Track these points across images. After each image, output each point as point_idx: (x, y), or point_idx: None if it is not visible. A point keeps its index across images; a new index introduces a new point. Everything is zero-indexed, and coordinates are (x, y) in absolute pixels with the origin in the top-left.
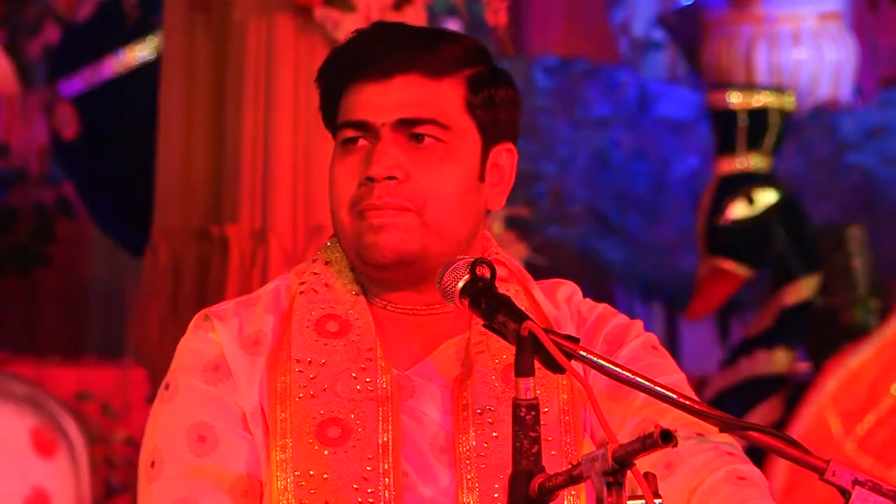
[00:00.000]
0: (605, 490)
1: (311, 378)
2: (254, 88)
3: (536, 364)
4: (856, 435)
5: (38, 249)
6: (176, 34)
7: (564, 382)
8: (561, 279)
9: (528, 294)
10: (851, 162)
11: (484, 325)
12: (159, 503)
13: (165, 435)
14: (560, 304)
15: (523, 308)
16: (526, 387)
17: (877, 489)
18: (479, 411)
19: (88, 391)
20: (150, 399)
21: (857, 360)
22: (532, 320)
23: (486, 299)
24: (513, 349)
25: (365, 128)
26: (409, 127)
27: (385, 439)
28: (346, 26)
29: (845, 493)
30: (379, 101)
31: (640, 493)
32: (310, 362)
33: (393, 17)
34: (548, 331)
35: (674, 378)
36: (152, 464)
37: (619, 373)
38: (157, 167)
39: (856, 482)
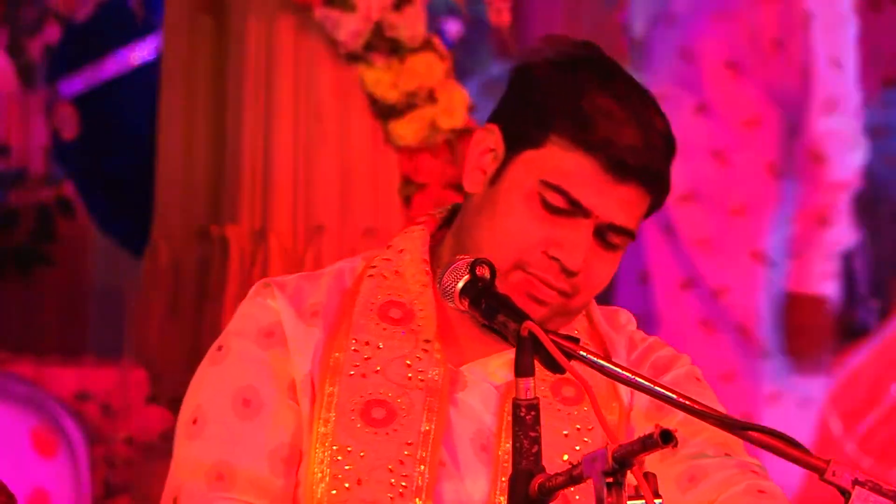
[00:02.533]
0: (605, 490)
1: (366, 359)
2: (254, 88)
3: (605, 396)
4: (856, 435)
5: (39, 249)
6: (176, 34)
7: (614, 405)
8: (619, 307)
9: (589, 312)
10: None
11: (483, 325)
12: (197, 461)
13: (211, 394)
14: (618, 328)
15: (581, 327)
16: (526, 387)
17: (877, 489)
18: None
19: (88, 391)
20: (151, 399)
21: (857, 360)
22: (532, 320)
23: (486, 299)
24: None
25: (578, 209)
26: (611, 232)
27: (427, 428)
28: (346, 26)
29: (845, 493)
30: (605, 195)
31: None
32: (366, 343)
33: (393, 17)
34: (548, 331)
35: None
36: (194, 421)
37: (618, 373)
38: (157, 167)
39: (856, 482)
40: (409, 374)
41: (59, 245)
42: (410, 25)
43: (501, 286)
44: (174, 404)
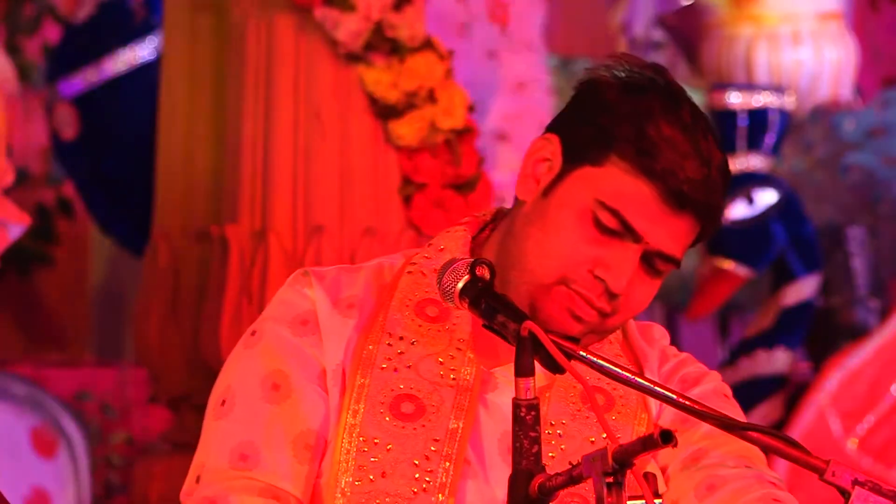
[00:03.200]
0: (605, 490)
1: (399, 353)
2: (254, 88)
3: (634, 407)
4: (856, 435)
5: (38, 249)
6: (177, 34)
7: (643, 416)
8: (654, 323)
9: (624, 326)
10: (851, 162)
11: (483, 326)
12: (222, 441)
13: (241, 377)
14: (652, 342)
15: (616, 340)
16: (526, 387)
17: (877, 489)
18: (552, 422)
19: (88, 391)
20: (151, 399)
21: (857, 360)
22: (531, 319)
23: (485, 300)
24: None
25: (630, 233)
26: (657, 259)
27: (455, 426)
28: (346, 26)
29: (845, 494)
30: (659, 223)
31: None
32: (401, 338)
33: (393, 17)
34: (547, 331)
35: None
36: (223, 402)
37: (618, 373)
38: (157, 167)
39: (856, 482)
40: (441, 372)
41: (59, 245)
42: (410, 25)
43: (542, 298)
44: (174, 404)
